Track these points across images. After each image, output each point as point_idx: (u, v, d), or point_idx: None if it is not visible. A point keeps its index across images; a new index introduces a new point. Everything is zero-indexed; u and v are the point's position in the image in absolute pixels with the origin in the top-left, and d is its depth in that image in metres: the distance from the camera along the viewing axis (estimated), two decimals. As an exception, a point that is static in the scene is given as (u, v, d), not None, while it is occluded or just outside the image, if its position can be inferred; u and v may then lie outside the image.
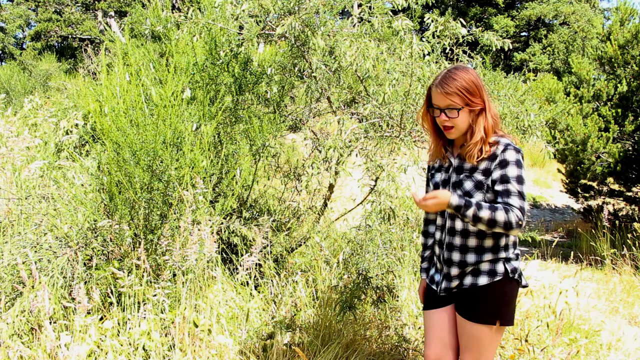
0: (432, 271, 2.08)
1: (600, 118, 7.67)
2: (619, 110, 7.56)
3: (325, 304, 3.27)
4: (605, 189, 8.09)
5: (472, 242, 1.88)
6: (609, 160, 7.50)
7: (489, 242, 1.87)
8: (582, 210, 8.54)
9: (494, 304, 1.89)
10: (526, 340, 2.89)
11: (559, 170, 9.07)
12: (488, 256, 1.88)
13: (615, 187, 8.01)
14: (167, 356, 2.48)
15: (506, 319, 1.90)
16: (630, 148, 7.65)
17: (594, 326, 3.62)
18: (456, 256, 1.91)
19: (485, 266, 1.88)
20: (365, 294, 3.14)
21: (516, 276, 1.91)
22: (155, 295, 2.62)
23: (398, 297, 3.47)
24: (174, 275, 2.76)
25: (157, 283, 2.70)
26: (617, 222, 6.93)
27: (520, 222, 1.72)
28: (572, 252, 5.42)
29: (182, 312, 2.57)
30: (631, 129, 7.43)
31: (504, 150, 1.81)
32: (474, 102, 1.82)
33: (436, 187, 1.97)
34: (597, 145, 7.46)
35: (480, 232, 1.86)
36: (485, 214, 1.72)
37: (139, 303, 2.61)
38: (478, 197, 1.83)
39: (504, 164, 1.80)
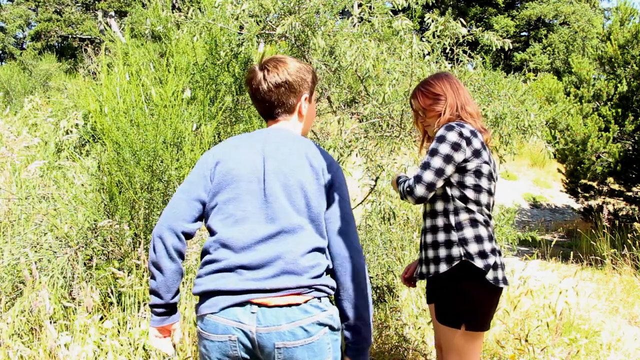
0: None
1: (600, 118, 7.68)
2: (619, 110, 7.57)
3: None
4: (605, 188, 8.10)
5: (428, 223, 1.97)
6: (609, 160, 7.50)
7: (440, 221, 1.91)
8: (582, 210, 8.54)
9: (455, 304, 1.85)
10: (526, 340, 2.89)
11: (559, 170, 9.08)
12: (441, 236, 1.90)
13: (615, 187, 8.02)
14: (167, 356, 2.48)
15: (473, 323, 1.85)
16: (630, 148, 7.65)
17: (594, 326, 3.62)
18: (421, 239, 2.00)
19: (442, 252, 1.88)
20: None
21: (479, 265, 1.82)
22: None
23: (398, 297, 3.47)
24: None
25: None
26: (617, 222, 6.94)
27: (408, 189, 1.88)
28: (572, 252, 5.42)
29: (182, 312, 2.57)
30: (631, 128, 7.43)
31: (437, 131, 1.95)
32: (436, 107, 2.00)
33: None
34: (597, 145, 7.46)
35: (432, 212, 1.94)
36: (397, 188, 1.99)
37: (139, 303, 2.61)
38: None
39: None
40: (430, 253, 1.92)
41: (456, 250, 1.85)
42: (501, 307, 3.21)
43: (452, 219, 1.87)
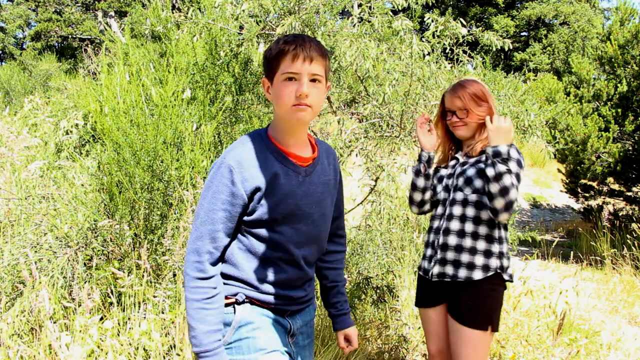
0: (423, 262, 2.12)
1: (600, 118, 7.67)
2: (619, 110, 7.56)
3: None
4: (605, 189, 8.09)
5: (469, 227, 1.96)
6: (609, 160, 7.50)
7: (483, 230, 1.95)
8: (582, 210, 8.53)
9: (486, 308, 1.94)
10: (526, 340, 2.89)
11: (559, 170, 9.07)
12: (482, 244, 1.94)
13: (615, 187, 8.01)
14: (167, 356, 2.48)
15: (496, 325, 1.98)
16: (630, 148, 7.65)
17: (594, 326, 3.63)
18: (453, 240, 1.98)
19: (479, 260, 1.94)
20: (365, 294, 3.15)
21: (506, 278, 1.98)
22: (155, 296, 2.62)
23: (398, 297, 3.47)
24: (174, 275, 2.76)
25: (158, 283, 2.71)
26: (617, 222, 6.93)
27: (510, 206, 1.84)
28: (572, 252, 5.41)
29: (182, 312, 2.57)
30: (631, 128, 7.43)
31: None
32: (481, 106, 2.02)
33: (440, 180, 2.11)
34: (597, 145, 7.46)
35: (476, 218, 1.95)
36: (506, 167, 1.83)
37: (139, 303, 2.61)
38: (478, 183, 1.95)
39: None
40: (465, 257, 1.95)
41: (494, 262, 1.95)
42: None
43: (496, 232, 1.97)
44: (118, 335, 2.47)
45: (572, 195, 8.73)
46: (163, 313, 2.61)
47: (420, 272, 2.15)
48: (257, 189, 1.36)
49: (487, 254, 1.94)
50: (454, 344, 1.97)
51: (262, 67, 3.58)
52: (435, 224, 2.08)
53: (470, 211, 1.96)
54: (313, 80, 1.36)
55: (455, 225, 1.98)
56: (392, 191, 3.05)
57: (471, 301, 1.93)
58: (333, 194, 1.53)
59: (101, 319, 2.56)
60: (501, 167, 1.83)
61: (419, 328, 3.26)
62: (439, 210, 2.08)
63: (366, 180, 3.15)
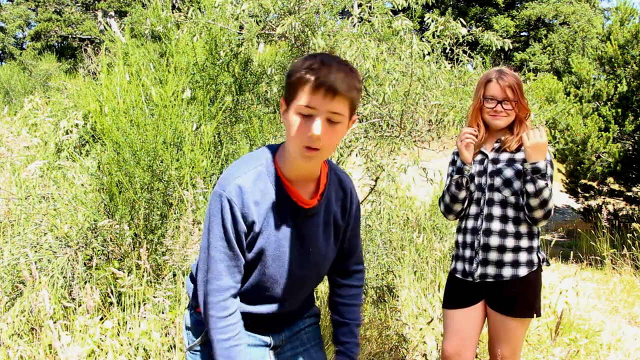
0: (459, 265, 2.09)
1: (600, 118, 7.67)
2: (619, 110, 7.56)
3: (326, 304, 3.26)
4: (605, 189, 8.08)
5: (510, 227, 1.98)
6: (609, 160, 7.49)
7: (524, 228, 1.99)
8: (582, 210, 8.53)
9: (533, 297, 2.01)
10: (526, 340, 2.89)
11: (559, 170, 9.06)
12: (525, 242, 1.98)
13: (615, 187, 8.00)
14: (168, 356, 2.48)
15: (539, 309, 2.05)
16: (630, 148, 7.65)
17: (594, 326, 3.62)
18: (495, 241, 1.99)
19: (523, 256, 1.99)
20: (365, 293, 3.15)
21: (544, 266, 2.07)
22: (155, 297, 2.62)
23: (398, 297, 3.47)
24: (174, 275, 2.76)
25: (158, 283, 2.71)
26: (616, 222, 6.93)
27: (551, 209, 1.92)
28: (572, 252, 5.41)
29: (182, 312, 2.57)
30: (631, 128, 7.42)
31: None
32: (522, 98, 2.01)
33: (472, 178, 2.07)
34: (597, 145, 7.46)
35: (516, 218, 1.98)
36: (545, 181, 1.90)
37: (139, 303, 2.61)
38: (516, 185, 1.96)
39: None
40: (509, 257, 1.98)
41: (536, 257, 2.02)
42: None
43: (535, 228, 2.01)
44: (118, 335, 2.47)
45: (572, 195, 8.72)
46: (163, 313, 2.61)
47: (456, 275, 2.10)
48: (253, 223, 1.27)
49: (530, 250, 2.00)
50: (497, 334, 2.03)
51: (261, 67, 3.58)
52: (470, 224, 2.04)
53: (510, 212, 1.97)
54: (331, 119, 1.15)
55: (496, 225, 1.98)
56: (392, 191, 3.05)
57: (516, 294, 1.97)
58: (337, 230, 1.39)
59: (101, 319, 2.56)
60: (541, 183, 1.88)
61: (420, 328, 3.26)
62: (473, 209, 2.04)
63: (366, 180, 3.15)
